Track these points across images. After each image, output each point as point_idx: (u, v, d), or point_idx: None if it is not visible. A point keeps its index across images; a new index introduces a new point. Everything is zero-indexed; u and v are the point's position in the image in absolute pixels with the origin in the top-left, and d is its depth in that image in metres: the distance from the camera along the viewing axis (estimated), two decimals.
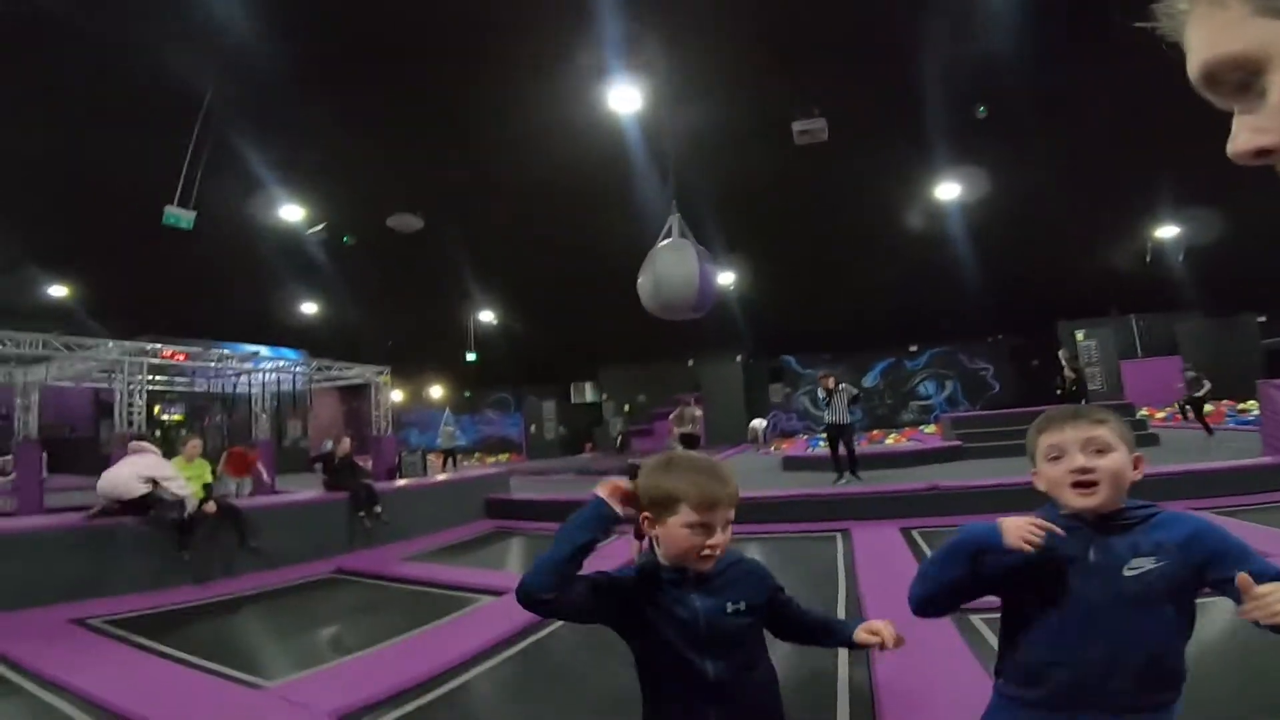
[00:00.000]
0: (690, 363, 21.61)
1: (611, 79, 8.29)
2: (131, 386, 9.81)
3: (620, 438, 20.59)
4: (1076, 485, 1.12)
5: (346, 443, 8.52)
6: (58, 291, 15.22)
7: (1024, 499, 4.84)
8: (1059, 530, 1.08)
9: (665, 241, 7.57)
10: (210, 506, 6.23)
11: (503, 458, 22.14)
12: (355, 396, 22.86)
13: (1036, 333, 17.58)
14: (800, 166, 10.80)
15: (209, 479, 6.81)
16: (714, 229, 11.74)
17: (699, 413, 14.54)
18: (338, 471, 8.10)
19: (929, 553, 5.52)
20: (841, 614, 4.18)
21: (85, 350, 10.05)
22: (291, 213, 11.52)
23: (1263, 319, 16.85)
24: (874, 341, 20.47)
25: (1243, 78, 0.40)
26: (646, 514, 1.28)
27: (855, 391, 9.31)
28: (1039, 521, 1.10)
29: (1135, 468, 1.16)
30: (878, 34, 8.18)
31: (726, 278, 16.11)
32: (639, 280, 7.45)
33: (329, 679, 3.58)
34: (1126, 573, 1.08)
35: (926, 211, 13.01)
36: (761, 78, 8.80)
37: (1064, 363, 12.47)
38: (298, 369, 15.75)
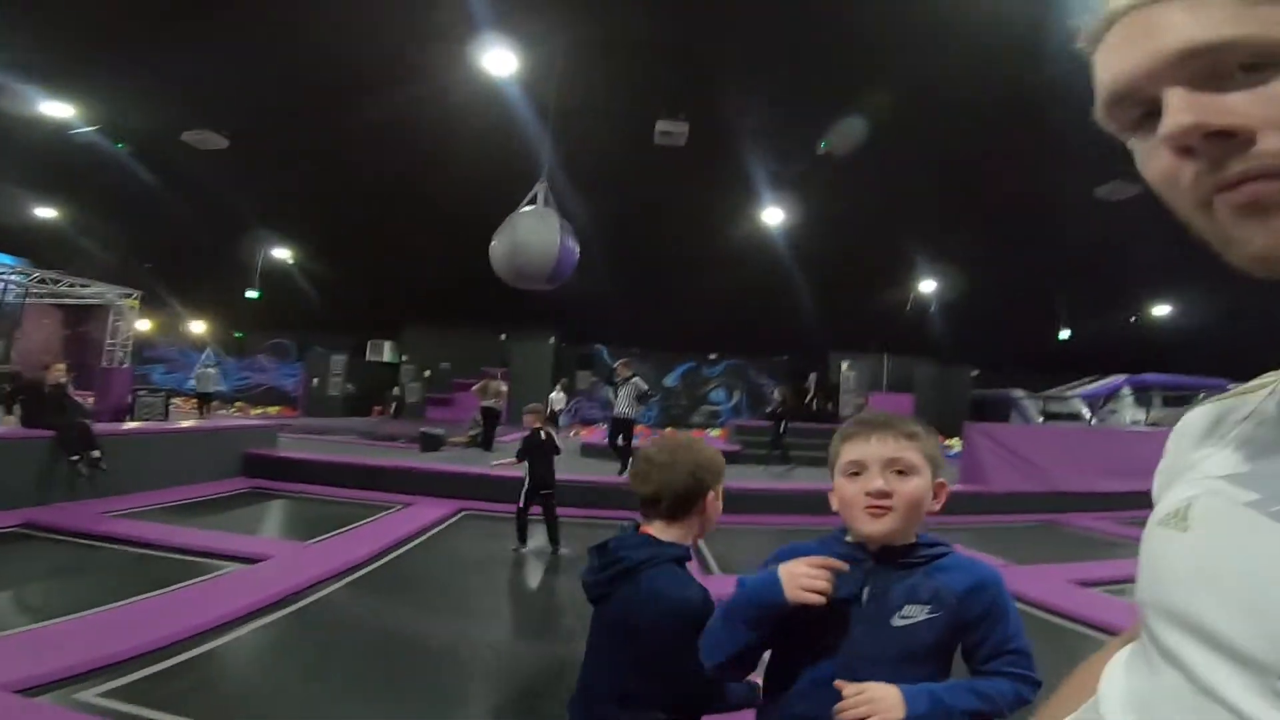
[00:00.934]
0: (503, 337, 21.11)
1: (482, 37, 7.73)
2: None
3: (397, 404, 19.64)
4: (870, 508, 1.01)
5: (60, 370, 7.17)
6: None
7: (788, 504, 5.56)
8: (842, 566, 0.98)
9: (528, 208, 7.26)
10: None
11: (271, 410, 19.80)
12: (89, 319, 18.93)
13: (812, 358, 19.96)
14: (657, 165, 11.06)
15: None
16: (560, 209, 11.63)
17: (504, 388, 14.31)
18: (43, 404, 6.73)
19: (708, 553, 6.09)
20: None
21: None
22: (58, 109, 9.24)
23: (976, 372, 20.88)
24: (681, 344, 21.71)
25: (1247, 61, 0.40)
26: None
27: (645, 389, 9.52)
28: (820, 562, 0.98)
29: (936, 495, 1.07)
30: (749, 55, 8.58)
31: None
32: (493, 243, 7.08)
33: (15, 645, 3.00)
34: (895, 622, 0.99)
35: (750, 232, 14.09)
36: (640, 69, 8.82)
37: (809, 387, 14.40)
38: (11, 277, 12.61)
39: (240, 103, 9.78)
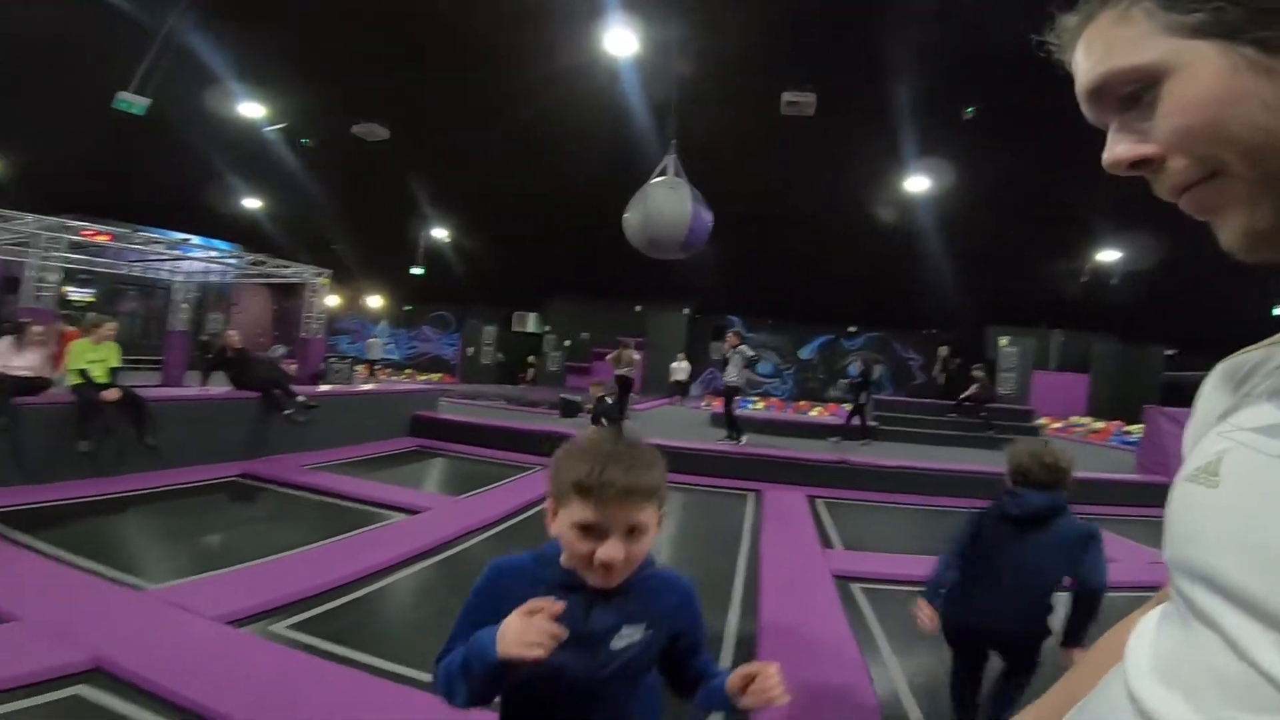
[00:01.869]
0: (638, 308, 21.66)
1: (608, 19, 7.91)
2: (46, 263, 9.14)
3: (535, 372, 20.71)
4: (602, 570, 0.97)
5: (233, 335, 8.07)
6: None
7: (928, 483, 5.28)
8: (558, 608, 0.92)
9: (659, 179, 7.40)
10: (112, 394, 5.88)
11: (434, 377, 21.91)
12: (288, 296, 21.98)
13: (966, 333, 18.41)
14: (784, 136, 10.77)
15: (116, 363, 6.27)
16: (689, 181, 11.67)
17: (637, 356, 14.74)
18: (229, 366, 7.67)
19: (830, 523, 6.03)
20: (740, 575, 4.49)
21: (4, 221, 9.28)
22: (252, 109, 10.80)
23: (1171, 353, 18.14)
24: (818, 316, 20.97)
25: (1135, 90, 0.42)
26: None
27: (750, 354, 9.45)
28: (540, 608, 0.92)
29: (658, 529, 1.04)
30: (878, 21, 8.09)
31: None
32: (625, 215, 7.27)
33: (222, 584, 3.60)
34: (614, 644, 1.02)
35: (892, 201, 13.25)
36: (761, 41, 8.63)
37: (940, 359, 13.16)
38: (230, 260, 14.97)
39: (396, 94, 10.76)
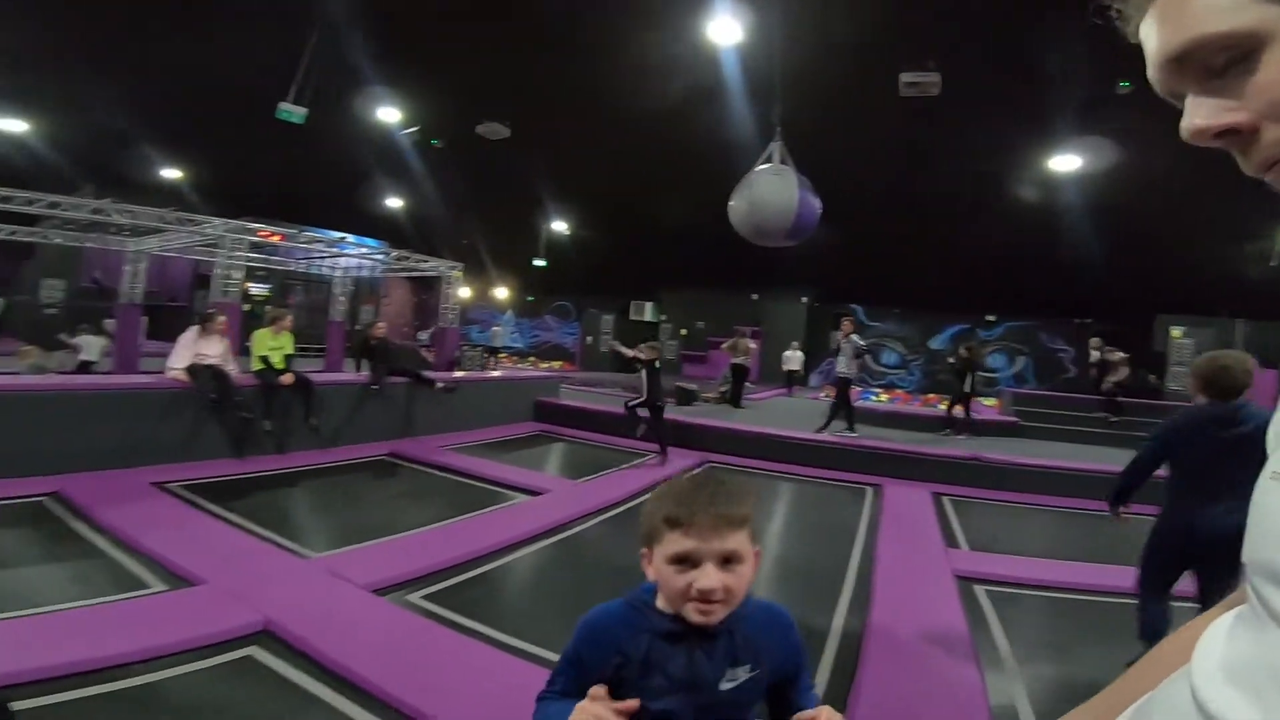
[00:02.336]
0: (755, 297, 21.33)
1: (715, 7, 7.87)
2: (231, 261, 10.55)
3: (622, 357, 20.85)
4: (701, 605, 0.97)
5: (380, 326, 8.73)
6: (170, 173, 16.30)
7: (1070, 483, 4.90)
8: (633, 706, 0.94)
9: (765, 166, 7.32)
10: (288, 378, 6.66)
11: (555, 365, 22.86)
12: (426, 289, 23.80)
13: (1130, 323, 16.41)
14: (903, 117, 10.16)
15: (291, 351, 7.05)
16: (801, 167, 11.31)
17: (753, 345, 14.58)
18: (373, 353, 8.23)
19: (957, 521, 5.71)
20: (852, 571, 4.37)
21: (194, 225, 10.82)
22: (389, 114, 11.77)
23: None
24: (950, 304, 19.55)
25: (1227, 57, 0.41)
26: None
27: (861, 345, 9.06)
28: (610, 708, 0.93)
29: (755, 564, 1.03)
30: None
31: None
32: (731, 202, 7.26)
33: (369, 555, 4.00)
34: (723, 686, 1.00)
35: (1035, 181, 12.08)
36: (875, 20, 8.18)
37: (1094, 351, 11.70)
38: (378, 256, 16.50)
39: (514, 92, 11.26)
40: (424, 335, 19.97)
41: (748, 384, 13.04)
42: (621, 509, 5.61)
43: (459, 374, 12.60)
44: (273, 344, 6.84)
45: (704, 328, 21.65)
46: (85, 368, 9.54)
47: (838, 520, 5.89)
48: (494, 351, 19.73)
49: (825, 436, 8.45)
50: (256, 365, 6.72)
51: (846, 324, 9.02)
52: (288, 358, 6.93)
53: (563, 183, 15.99)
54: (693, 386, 12.82)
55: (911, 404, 15.35)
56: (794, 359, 16.75)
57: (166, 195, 14.93)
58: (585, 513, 5.27)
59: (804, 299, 20.63)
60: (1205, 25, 0.40)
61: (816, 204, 7.17)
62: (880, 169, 12.35)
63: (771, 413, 11.43)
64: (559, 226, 19.93)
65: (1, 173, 10.55)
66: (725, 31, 8.31)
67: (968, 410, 10.14)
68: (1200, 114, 0.43)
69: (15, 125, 12.60)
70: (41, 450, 4.99)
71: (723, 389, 12.80)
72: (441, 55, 10.19)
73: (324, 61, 9.40)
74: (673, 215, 15.69)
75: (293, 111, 9.55)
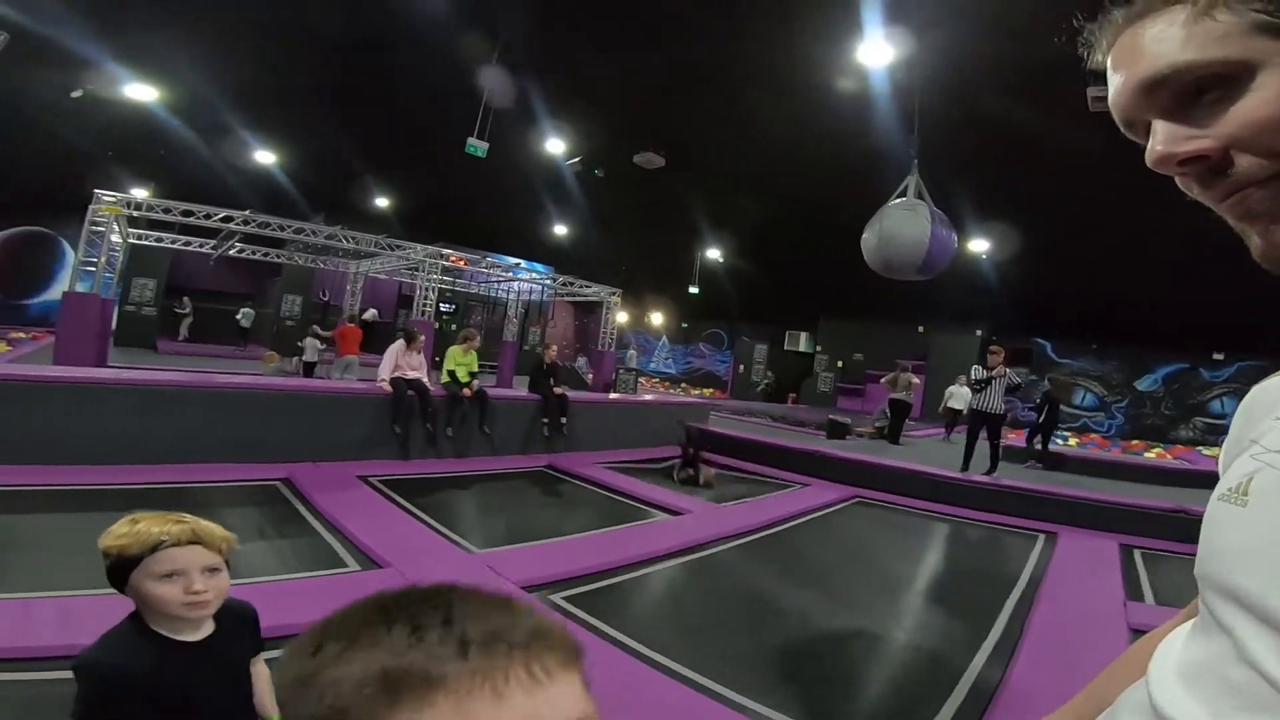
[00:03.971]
0: (920, 329, 20.03)
1: (864, 31, 7.80)
2: (427, 283, 12.07)
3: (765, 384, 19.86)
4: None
5: (553, 351, 9.22)
6: (381, 203, 19.01)
7: None
8: None
9: (897, 200, 7.36)
10: (470, 391, 7.41)
11: (706, 391, 22.99)
12: (588, 313, 25.19)
13: None
14: (1089, 130, 9.17)
15: (475, 367, 7.82)
16: (967, 192, 10.61)
17: (916, 380, 13.66)
18: (536, 375, 8.72)
19: (1146, 580, 4.97)
20: (1001, 623, 3.98)
21: (401, 250, 12.54)
22: (555, 146, 12.86)
23: None
24: (1162, 339, 16.92)
25: (1203, 86, 0.42)
26: None
27: (1018, 381, 8.24)
28: None
29: None
30: None
31: (979, 246, 14.50)
32: (864, 235, 7.43)
33: (522, 555, 4.36)
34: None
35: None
36: (1047, 31, 7.56)
37: None
38: (546, 282, 17.88)
39: (672, 122, 11.72)
40: (581, 360, 21.10)
41: (908, 421, 12.26)
42: (761, 535, 5.56)
43: (613, 395, 13.21)
44: (461, 360, 7.66)
45: (862, 360, 20.69)
46: (309, 368, 11.29)
47: (996, 564, 5.48)
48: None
49: (989, 479, 7.74)
50: (445, 378, 7.54)
51: (996, 355, 8.14)
52: (472, 373, 7.72)
53: (717, 211, 16.28)
54: (845, 420, 12.29)
55: (1109, 450, 13.47)
56: (959, 396, 15.44)
57: (378, 223, 17.35)
58: (722, 535, 5.29)
59: (978, 332, 18.98)
60: (1194, 52, 0.42)
61: (950, 239, 7.17)
62: (1060, 186, 11.15)
63: (931, 451, 10.63)
64: (713, 254, 20.22)
65: (253, 200, 12.89)
66: (875, 53, 8.19)
67: (1045, 443, 10.33)
68: (1167, 141, 0.44)
69: (267, 157, 15.31)
70: (277, 441, 6.02)
71: (879, 424, 12.15)
72: (600, 87, 10.93)
73: (500, 99, 10.49)
74: (831, 243, 15.30)
75: (477, 146, 10.75)
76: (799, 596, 4.23)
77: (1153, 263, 12.91)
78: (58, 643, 2.39)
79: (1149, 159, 0.46)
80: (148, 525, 1.11)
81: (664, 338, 27.72)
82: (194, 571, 1.10)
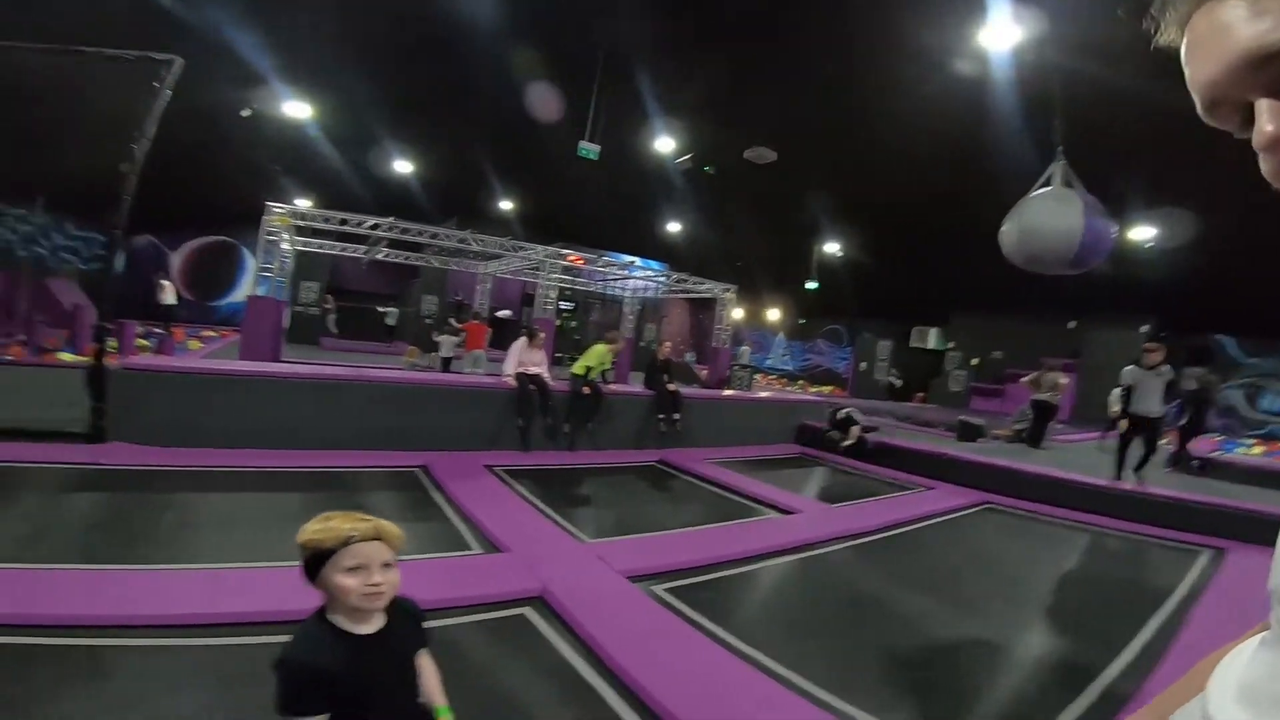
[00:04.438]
0: (1071, 324, 18.16)
1: (987, 13, 7.22)
2: (548, 282, 12.67)
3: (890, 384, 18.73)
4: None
5: (667, 348, 9.27)
6: (505, 205, 20.09)
7: None
8: None
9: (1041, 190, 6.81)
10: (590, 388, 7.69)
11: (825, 389, 22.23)
12: (702, 309, 25.18)
13: None
14: None
15: (608, 366, 8.10)
16: (1124, 177, 9.48)
17: (1064, 380, 12.39)
18: (650, 372, 8.86)
19: None
20: (1141, 640, 3.57)
21: (523, 251, 13.24)
22: (665, 144, 13.00)
23: None
24: None
25: None
26: None
27: (1171, 377, 7.12)
28: None
29: None
30: None
31: (1142, 234, 12.91)
32: (1002, 228, 6.96)
33: (629, 546, 4.48)
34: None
35: None
36: None
37: None
38: (660, 279, 18.11)
39: (782, 115, 11.42)
40: (690, 356, 21.11)
41: (1054, 424, 11.18)
42: (875, 537, 5.34)
43: (728, 393, 13.11)
44: (599, 358, 7.92)
45: (1001, 358, 19.11)
46: (446, 364, 12.21)
47: (1144, 579, 5.01)
48: (745, 368, 20.07)
49: (1139, 487, 6.95)
50: (579, 370, 7.83)
51: (1154, 353, 7.14)
52: (604, 371, 8.03)
53: (834, 204, 15.69)
54: (979, 421, 11.43)
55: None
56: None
57: (502, 226, 18.39)
58: (834, 536, 5.14)
59: (1143, 327, 16.92)
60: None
61: (1108, 229, 6.63)
62: (1244, 166, 9.67)
63: (1079, 457, 9.63)
64: (831, 248, 19.49)
65: (393, 207, 14.07)
66: (1000, 35, 7.55)
67: (1183, 444, 9.51)
68: (1276, 121, 0.41)
69: (406, 167, 16.70)
70: (417, 431, 6.57)
71: (1018, 426, 11.18)
72: (710, 83, 10.87)
73: (610, 101, 10.72)
74: (962, 233, 14.27)
75: (589, 149, 11.17)
76: (913, 601, 4.03)
77: None
78: (246, 609, 2.79)
79: (1261, 141, 0.42)
80: (339, 523, 1.23)
81: (780, 334, 27.12)
82: (374, 566, 1.22)
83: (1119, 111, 8.13)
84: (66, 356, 10.41)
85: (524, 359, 7.59)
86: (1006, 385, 17.76)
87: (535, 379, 7.46)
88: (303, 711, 1.14)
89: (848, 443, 8.93)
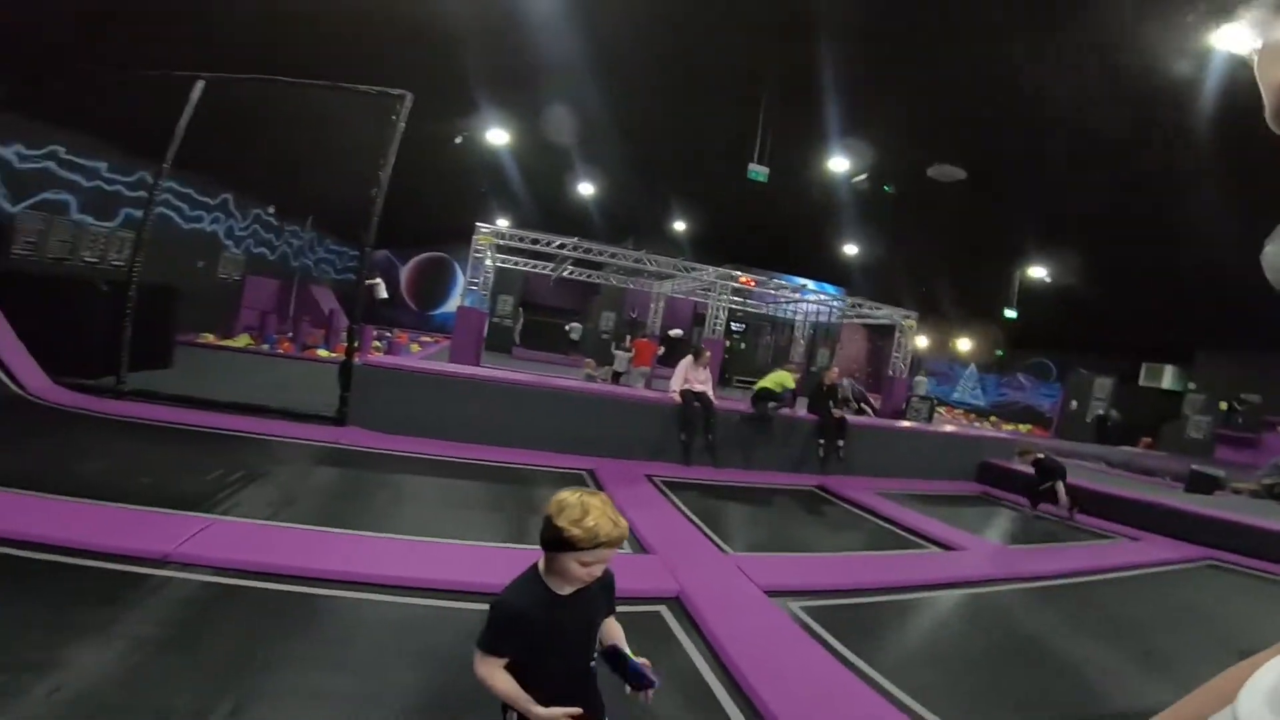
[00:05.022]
0: None
1: (1216, 17, 6.22)
2: (718, 303, 13.01)
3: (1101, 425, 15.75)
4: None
5: (834, 374, 9.12)
6: (679, 226, 20.74)
7: None
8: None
9: None
10: (768, 408, 8.03)
11: (1023, 428, 19.87)
12: (880, 336, 23.86)
13: None
14: None
15: (791, 386, 8.39)
16: None
17: None
18: (816, 397, 8.70)
19: None
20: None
21: (695, 272, 13.72)
22: (839, 164, 12.69)
23: None
24: None
25: None
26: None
27: None
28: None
29: None
30: None
31: None
32: (1266, 249, 5.70)
33: (774, 562, 4.53)
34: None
35: None
36: None
37: None
38: (834, 303, 17.60)
39: (973, 135, 10.57)
40: (846, 382, 19.90)
41: None
42: (1053, 583, 4.83)
43: (903, 424, 12.30)
44: (778, 380, 8.29)
45: (1258, 401, 15.81)
46: (616, 377, 12.95)
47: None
48: (924, 399, 18.48)
49: None
50: (761, 387, 8.25)
51: None
52: (786, 388, 8.30)
53: (1038, 225, 14.12)
54: (1218, 473, 9.62)
55: None
56: None
57: (675, 246, 19.02)
58: (1002, 576, 4.75)
59: None
60: None
61: None
62: None
63: None
64: (1036, 273, 17.51)
65: (576, 228, 15.14)
66: (1232, 38, 6.41)
67: None
68: None
69: (587, 189, 17.95)
70: (589, 437, 7.12)
71: (1269, 481, 9.24)
72: (889, 97, 10.41)
73: (777, 123, 10.72)
74: (1207, 256, 12.11)
75: (758, 172, 11.30)
76: (1087, 650, 3.66)
77: None
78: (434, 576, 3.34)
79: None
80: (596, 522, 1.36)
81: (972, 366, 24.78)
82: (604, 563, 1.42)
83: None
84: (323, 353, 12.82)
85: (690, 376, 7.88)
86: (1262, 435, 14.67)
87: (700, 396, 7.74)
88: (498, 650, 1.35)
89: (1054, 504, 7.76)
